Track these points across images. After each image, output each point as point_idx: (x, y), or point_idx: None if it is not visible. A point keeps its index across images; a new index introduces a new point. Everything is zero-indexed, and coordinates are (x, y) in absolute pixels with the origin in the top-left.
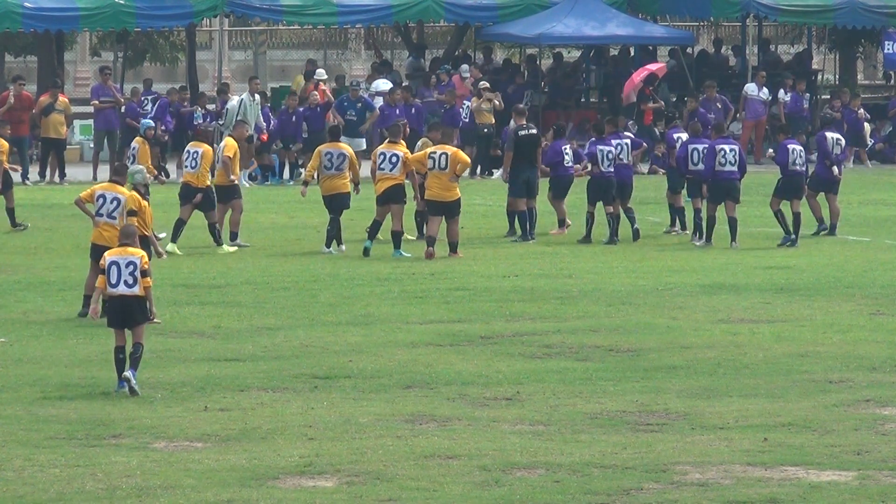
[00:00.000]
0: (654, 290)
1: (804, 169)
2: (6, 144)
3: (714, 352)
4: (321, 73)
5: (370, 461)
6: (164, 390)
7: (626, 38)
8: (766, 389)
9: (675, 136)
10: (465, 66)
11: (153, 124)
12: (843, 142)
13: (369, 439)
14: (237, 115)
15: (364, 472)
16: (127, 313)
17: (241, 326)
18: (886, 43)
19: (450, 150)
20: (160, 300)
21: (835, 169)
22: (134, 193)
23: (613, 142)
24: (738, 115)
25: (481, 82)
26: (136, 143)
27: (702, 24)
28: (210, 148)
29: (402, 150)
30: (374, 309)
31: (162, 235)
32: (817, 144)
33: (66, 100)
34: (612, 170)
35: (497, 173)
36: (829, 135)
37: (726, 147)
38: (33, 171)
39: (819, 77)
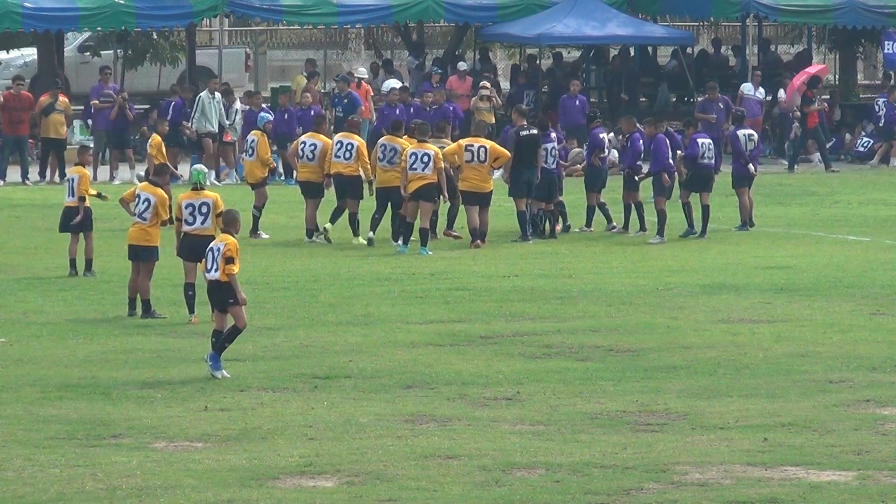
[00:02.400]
0: (654, 290)
1: (713, 163)
2: (158, 139)
3: (714, 352)
4: (362, 71)
5: (370, 461)
6: (164, 390)
7: (626, 38)
8: (766, 389)
9: (601, 135)
10: (462, 64)
11: (271, 117)
12: (755, 137)
13: (369, 439)
14: (195, 113)
15: (364, 472)
16: (221, 296)
17: None
18: (886, 43)
19: (487, 143)
20: (160, 300)
21: (751, 166)
22: (217, 195)
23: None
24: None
25: (481, 82)
26: (255, 135)
27: (702, 24)
28: (363, 140)
29: (433, 149)
30: (374, 309)
31: (364, 239)
32: (730, 143)
33: (67, 100)
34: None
35: (497, 173)
36: (741, 132)
37: (707, 140)
38: (33, 171)
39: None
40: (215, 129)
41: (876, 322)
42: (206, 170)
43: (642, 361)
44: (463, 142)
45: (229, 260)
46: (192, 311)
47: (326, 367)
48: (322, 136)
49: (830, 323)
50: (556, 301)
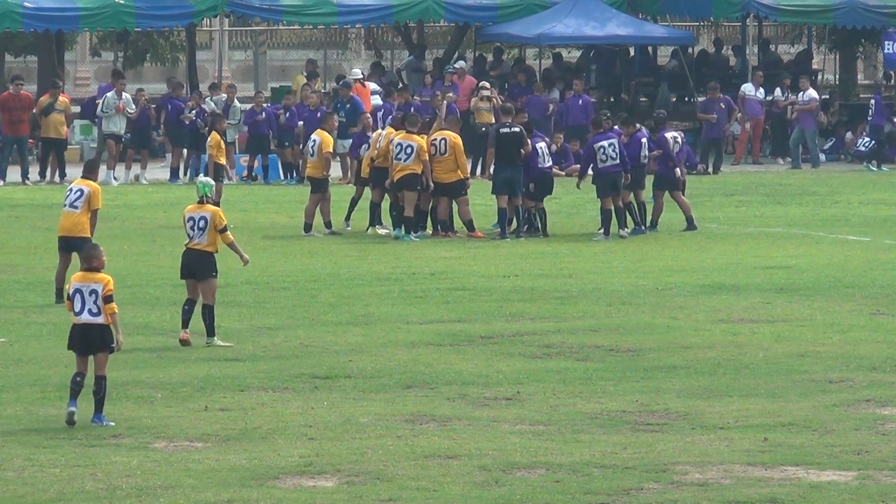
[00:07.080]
0: (654, 290)
1: (646, 162)
2: (217, 137)
3: (714, 352)
4: (356, 72)
5: (370, 461)
6: (164, 390)
7: (626, 38)
8: (766, 389)
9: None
10: (460, 62)
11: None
12: (681, 138)
13: (369, 439)
14: (100, 111)
15: (364, 472)
16: (90, 341)
17: (241, 326)
18: (886, 43)
19: (449, 135)
20: (161, 300)
21: (678, 170)
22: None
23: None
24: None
25: (481, 82)
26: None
27: (702, 24)
28: (422, 141)
29: (418, 141)
30: (374, 309)
31: (383, 231)
32: (660, 146)
33: (67, 100)
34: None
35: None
36: (669, 135)
37: (605, 143)
38: (33, 171)
39: (819, 77)
40: (120, 130)
41: (876, 322)
42: (213, 182)
43: (642, 361)
44: (430, 136)
45: (108, 299)
46: (185, 326)
47: (326, 367)
48: (322, 133)
49: (830, 323)
50: (556, 301)
